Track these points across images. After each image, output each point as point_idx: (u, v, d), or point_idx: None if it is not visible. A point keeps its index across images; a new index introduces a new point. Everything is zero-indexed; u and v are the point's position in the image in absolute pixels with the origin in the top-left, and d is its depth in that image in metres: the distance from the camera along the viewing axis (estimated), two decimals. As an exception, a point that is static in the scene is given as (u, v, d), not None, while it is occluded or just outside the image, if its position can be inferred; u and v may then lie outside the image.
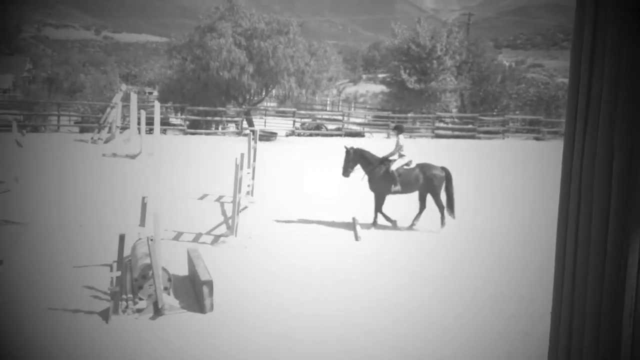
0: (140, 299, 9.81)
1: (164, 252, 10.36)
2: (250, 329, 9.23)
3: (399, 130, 15.80)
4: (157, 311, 9.53)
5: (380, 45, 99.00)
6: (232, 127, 35.83)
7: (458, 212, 15.10)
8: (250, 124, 35.24)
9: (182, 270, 11.28)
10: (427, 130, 40.09)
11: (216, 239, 13.69)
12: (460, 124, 42.27)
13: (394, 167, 14.99)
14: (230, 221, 14.35)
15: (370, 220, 15.16)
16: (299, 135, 35.67)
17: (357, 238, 14.36)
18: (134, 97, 25.41)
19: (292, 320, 9.61)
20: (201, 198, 17.37)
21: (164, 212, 10.75)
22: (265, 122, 37.39)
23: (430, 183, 15.01)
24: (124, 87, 30.09)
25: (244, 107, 35.80)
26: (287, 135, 34.44)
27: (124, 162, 22.23)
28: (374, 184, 15.16)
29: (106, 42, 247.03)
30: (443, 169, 15.19)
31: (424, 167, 15.15)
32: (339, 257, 12.94)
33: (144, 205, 12.03)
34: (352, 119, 46.50)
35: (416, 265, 12.59)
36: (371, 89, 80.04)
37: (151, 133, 25.42)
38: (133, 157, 22.92)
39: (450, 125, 42.79)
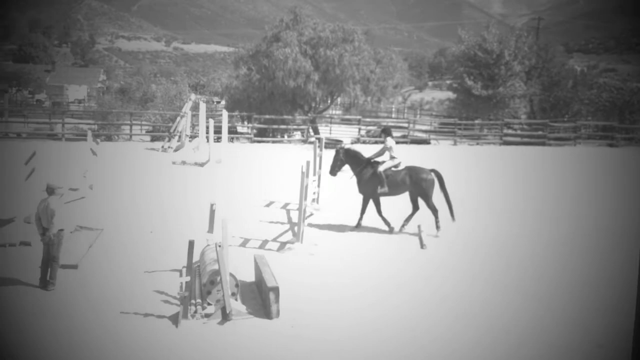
0: (209, 304, 9.98)
1: (232, 258, 10.52)
2: (316, 335, 9.25)
3: (386, 133, 15.76)
4: (225, 316, 9.68)
5: (447, 52, 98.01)
6: (298, 135, 36.09)
7: (533, 219, 14.74)
8: (316, 132, 35.40)
9: (249, 277, 11.42)
10: (494, 137, 39.34)
11: (282, 245, 13.80)
12: (530, 131, 41.29)
13: (381, 168, 15.02)
14: (296, 228, 14.43)
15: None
16: (364, 142, 35.59)
17: (422, 246, 14.20)
18: (202, 107, 25.95)
19: (356, 326, 9.59)
20: (268, 205, 17.56)
21: (231, 219, 10.90)
22: (330, 130, 37.52)
23: (419, 186, 14.96)
24: (193, 96, 30.76)
25: (309, 115, 36.01)
26: (352, 143, 34.40)
27: (193, 170, 22.71)
28: (361, 186, 15.26)
29: (176, 53, 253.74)
30: (432, 171, 15.19)
31: (411, 170, 15.17)
32: (404, 265, 12.83)
33: (212, 212, 12.25)
34: (417, 126, 46.12)
35: (487, 272, 12.38)
36: (437, 95, 79.33)
37: (219, 141, 25.88)
38: (202, 165, 23.39)
39: (519, 132, 41.84)
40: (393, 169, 15.14)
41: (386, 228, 15.24)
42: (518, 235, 15.35)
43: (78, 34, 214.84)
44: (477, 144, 38.40)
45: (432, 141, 38.69)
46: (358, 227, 15.32)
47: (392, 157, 15.25)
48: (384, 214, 15.26)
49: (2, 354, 8.37)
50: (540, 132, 38.92)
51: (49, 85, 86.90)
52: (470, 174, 24.31)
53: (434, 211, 15.06)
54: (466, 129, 40.20)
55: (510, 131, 40.97)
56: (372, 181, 15.04)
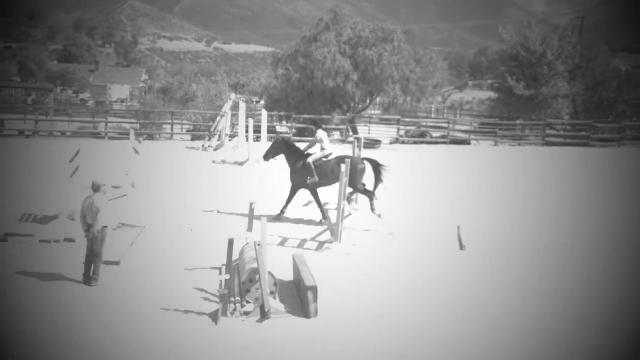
0: (248, 302, 10.06)
1: (270, 257, 10.58)
2: (353, 335, 9.25)
3: (316, 125, 16.47)
4: (264, 314, 9.74)
5: (488, 51, 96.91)
6: (336, 135, 36.10)
7: (576, 221, 14.52)
8: (355, 131, 35.36)
9: (287, 275, 11.47)
10: (536, 138, 38.73)
11: (320, 245, 13.82)
12: (573, 131, 40.53)
13: (311, 159, 15.52)
14: (334, 228, 14.43)
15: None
16: (403, 142, 35.44)
17: (461, 247, 14.07)
18: (242, 106, 26.13)
19: (393, 326, 9.57)
20: (306, 205, 17.58)
21: (269, 217, 10.96)
22: (369, 130, 37.44)
23: (350, 174, 15.07)
24: (233, 96, 31.02)
25: (348, 114, 35.99)
26: (391, 143, 34.30)
27: (232, 169, 22.89)
28: (293, 175, 15.82)
29: (216, 53, 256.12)
30: (365, 160, 15.71)
31: (341, 160, 15.35)
32: (442, 265, 12.74)
33: (251, 211, 12.33)
34: (457, 126, 45.65)
35: (529, 278, 12.21)
36: (477, 95, 78.48)
37: (258, 140, 26.04)
38: (241, 164, 23.56)
39: (561, 133, 41.13)
40: (323, 159, 15.60)
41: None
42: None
43: (121, 35, 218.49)
44: (519, 144, 37.85)
45: (472, 141, 38.26)
46: (281, 214, 15.76)
47: (322, 149, 15.71)
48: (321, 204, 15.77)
49: (40, 346, 8.56)
50: (583, 133, 38.18)
51: (92, 84, 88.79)
52: (509, 174, 24.00)
53: (367, 194, 15.64)
54: (507, 129, 39.66)
55: (552, 132, 40.29)
56: (303, 172, 15.57)
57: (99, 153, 23.23)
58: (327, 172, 15.46)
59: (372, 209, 15.54)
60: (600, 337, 9.44)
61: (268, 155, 16.04)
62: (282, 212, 15.85)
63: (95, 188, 10.93)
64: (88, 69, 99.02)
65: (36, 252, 12.48)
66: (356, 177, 15.40)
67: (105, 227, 10.94)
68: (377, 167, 15.60)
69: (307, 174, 15.50)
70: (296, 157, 15.74)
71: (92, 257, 10.92)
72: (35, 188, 17.46)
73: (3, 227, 13.70)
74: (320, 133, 16.00)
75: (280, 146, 15.96)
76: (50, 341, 8.69)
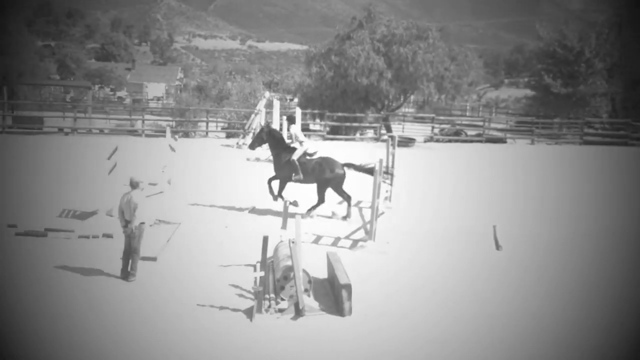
0: (282, 299, 10.12)
1: (304, 255, 10.63)
2: (387, 334, 9.26)
3: (290, 121, 16.76)
4: (298, 312, 9.79)
5: (524, 48, 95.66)
6: (370, 133, 36.02)
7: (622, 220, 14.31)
8: (389, 129, 35.24)
9: (321, 273, 11.51)
10: (574, 137, 38.09)
11: (355, 243, 13.82)
12: (612, 130, 39.76)
13: (294, 157, 15.58)
14: (368, 226, 14.42)
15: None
16: (437, 141, 35.17)
17: (497, 247, 13.94)
18: (276, 104, 26.22)
19: (428, 327, 9.54)
20: (340, 203, 17.59)
21: (304, 215, 11.01)
22: (403, 128, 37.29)
23: (324, 176, 15.42)
24: (267, 94, 31.15)
25: (382, 113, 35.88)
26: (425, 141, 34.08)
27: (266, 167, 22.95)
28: (278, 170, 15.90)
29: (250, 51, 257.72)
30: (345, 165, 15.63)
31: (323, 161, 15.60)
32: (477, 265, 12.64)
33: (285, 209, 12.40)
34: (493, 125, 45.11)
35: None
36: (513, 93, 77.51)
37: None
38: (275, 161, 23.62)
39: (600, 132, 40.36)
40: (307, 157, 15.69)
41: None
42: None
43: (157, 33, 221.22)
44: (556, 143, 37.29)
45: (508, 140, 37.80)
46: (295, 203, 15.61)
47: (300, 143, 15.83)
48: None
49: (67, 339, 8.73)
50: (622, 132, 37.43)
51: (129, 82, 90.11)
52: (543, 173, 23.68)
53: (347, 199, 15.73)
54: (544, 127, 39.10)
55: (591, 130, 39.55)
56: (287, 167, 15.67)
57: (136, 150, 23.54)
58: (308, 170, 15.58)
59: (309, 212, 15.54)
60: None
61: (254, 144, 16.33)
62: (280, 195, 15.99)
63: (134, 185, 11.10)
64: (125, 67, 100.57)
65: (75, 248, 12.72)
66: (330, 182, 15.47)
67: (142, 223, 11.11)
68: (359, 169, 15.68)
69: (292, 170, 15.65)
70: (280, 149, 15.87)
71: (130, 252, 11.11)
72: (75, 184, 17.80)
73: (43, 223, 14.02)
74: (294, 129, 16.35)
75: (266, 136, 16.11)
76: (92, 332, 8.87)
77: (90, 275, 11.21)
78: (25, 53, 33.84)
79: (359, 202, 17.61)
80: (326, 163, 15.60)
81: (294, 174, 15.61)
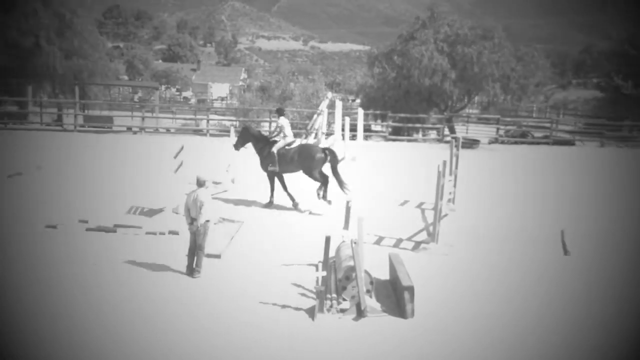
0: (344, 300, 10.12)
1: (366, 256, 10.59)
2: (451, 337, 9.15)
3: (279, 112, 17.04)
4: (360, 313, 9.78)
5: (593, 49, 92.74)
6: (433, 134, 35.63)
7: None
8: (452, 131, 34.79)
9: (384, 275, 11.46)
10: (646, 139, 36.70)
11: (417, 245, 13.70)
12: (686, 133, 38.12)
13: (274, 148, 16.08)
14: (431, 228, 14.28)
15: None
16: (502, 143, 34.49)
17: (565, 252, 13.57)
18: (338, 105, 26.25)
19: (492, 330, 9.40)
20: (402, 204, 17.50)
21: (366, 216, 10.99)
22: (467, 129, 36.70)
23: (306, 163, 15.89)
24: (329, 94, 31.20)
25: (445, 114, 35.44)
26: (490, 143, 33.48)
27: (328, 167, 22.98)
28: (261, 163, 16.48)
29: (313, 51, 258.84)
30: (326, 149, 16.20)
31: (301, 148, 16.29)
32: (543, 270, 12.35)
33: (348, 209, 12.41)
34: (560, 127, 43.91)
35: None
36: (582, 94, 75.17)
37: (354, 139, 26.10)
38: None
39: (675, 134, 38.75)
40: (287, 147, 16.17)
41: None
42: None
43: (222, 34, 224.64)
44: (627, 146, 36.01)
45: (577, 142, 36.73)
46: (270, 203, 16.41)
47: (284, 136, 16.29)
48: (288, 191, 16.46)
49: (109, 331, 8.95)
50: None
51: (194, 83, 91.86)
52: (616, 177, 22.92)
53: (323, 183, 16.11)
54: (614, 130, 37.84)
55: (665, 132, 38.04)
56: (267, 160, 16.22)
57: (201, 149, 24.01)
58: (287, 160, 16.06)
59: (319, 194, 16.09)
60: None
61: (238, 145, 16.84)
62: (271, 201, 16.51)
63: (200, 183, 11.31)
64: (190, 68, 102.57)
65: (143, 244, 13.06)
66: (311, 165, 15.91)
67: (208, 221, 11.31)
68: (334, 159, 16.09)
69: (269, 161, 16.18)
70: (262, 145, 16.41)
71: (195, 249, 11.32)
72: (142, 182, 18.27)
73: (112, 219, 14.45)
74: (282, 120, 16.62)
75: (247, 135, 16.67)
76: (153, 324, 9.09)
77: (157, 271, 11.48)
78: (96, 54, 34.88)
79: (421, 204, 17.47)
80: (304, 149, 16.22)
81: (270, 165, 16.14)
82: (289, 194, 16.45)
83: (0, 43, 31.23)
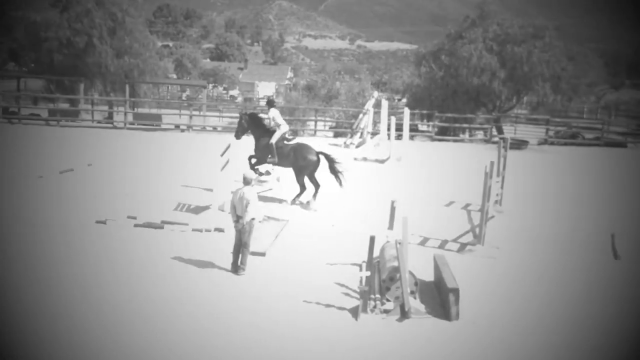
0: (388, 300, 10.08)
1: (411, 257, 10.53)
2: (496, 340, 9.03)
3: (269, 104, 17.34)
4: (404, 314, 9.72)
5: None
6: (480, 135, 35.13)
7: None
8: (500, 131, 34.24)
9: (427, 276, 11.37)
10: (703, 142, 35.47)
11: (463, 247, 13.55)
12: None
13: (273, 140, 16.38)
14: (477, 230, 14.10)
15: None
16: (552, 144, 33.79)
17: (616, 257, 13.24)
18: (384, 104, 26.15)
19: (538, 334, 9.26)
20: (447, 205, 17.33)
21: (411, 216, 10.93)
22: (515, 130, 36.06)
23: (298, 162, 16.13)
24: (375, 94, 31.12)
25: (493, 114, 34.91)
26: (539, 144, 32.85)
27: (373, 167, 22.98)
28: (257, 151, 16.77)
29: (359, 50, 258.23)
30: (320, 154, 16.19)
31: (297, 147, 16.41)
32: (592, 274, 12.09)
33: (392, 209, 12.35)
34: (612, 128, 42.83)
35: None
36: (636, 95, 73.16)
37: (400, 139, 25.94)
38: (382, 161, 23.60)
39: None
40: (285, 142, 16.53)
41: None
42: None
43: (269, 33, 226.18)
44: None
45: (629, 144, 35.73)
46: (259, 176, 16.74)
47: (278, 125, 16.61)
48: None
49: (141, 326, 9.06)
50: None
51: (241, 81, 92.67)
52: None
53: (311, 186, 16.31)
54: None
55: None
56: (266, 150, 16.51)
57: (247, 148, 24.19)
58: (284, 155, 16.40)
59: (294, 200, 16.36)
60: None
61: (238, 134, 17.13)
62: (260, 173, 17.07)
63: (247, 181, 11.42)
64: (238, 66, 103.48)
65: (189, 240, 13.24)
66: (303, 165, 16.14)
67: (253, 219, 11.39)
68: (332, 162, 16.19)
69: (268, 153, 16.52)
70: (261, 133, 16.74)
71: (241, 247, 11.43)
72: (189, 180, 18.52)
73: (160, 215, 14.68)
74: (273, 112, 16.93)
75: (247, 121, 16.99)
76: (199, 322, 9.21)
77: (202, 267, 11.62)
78: (146, 53, 35.44)
79: (467, 205, 17.26)
80: (300, 149, 16.35)
81: (269, 156, 16.50)
82: (254, 168, 16.70)
83: (54, 42, 32.06)
